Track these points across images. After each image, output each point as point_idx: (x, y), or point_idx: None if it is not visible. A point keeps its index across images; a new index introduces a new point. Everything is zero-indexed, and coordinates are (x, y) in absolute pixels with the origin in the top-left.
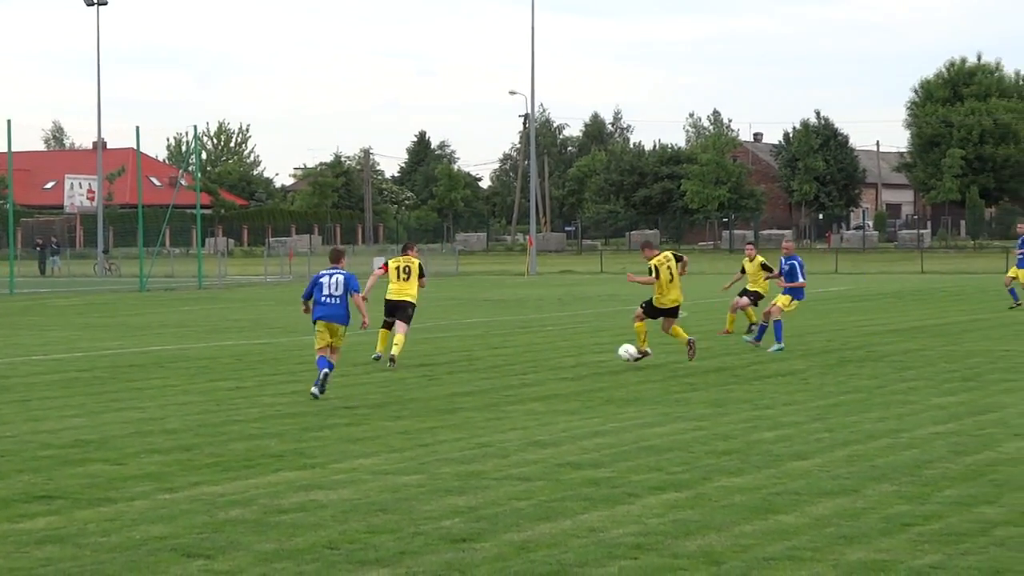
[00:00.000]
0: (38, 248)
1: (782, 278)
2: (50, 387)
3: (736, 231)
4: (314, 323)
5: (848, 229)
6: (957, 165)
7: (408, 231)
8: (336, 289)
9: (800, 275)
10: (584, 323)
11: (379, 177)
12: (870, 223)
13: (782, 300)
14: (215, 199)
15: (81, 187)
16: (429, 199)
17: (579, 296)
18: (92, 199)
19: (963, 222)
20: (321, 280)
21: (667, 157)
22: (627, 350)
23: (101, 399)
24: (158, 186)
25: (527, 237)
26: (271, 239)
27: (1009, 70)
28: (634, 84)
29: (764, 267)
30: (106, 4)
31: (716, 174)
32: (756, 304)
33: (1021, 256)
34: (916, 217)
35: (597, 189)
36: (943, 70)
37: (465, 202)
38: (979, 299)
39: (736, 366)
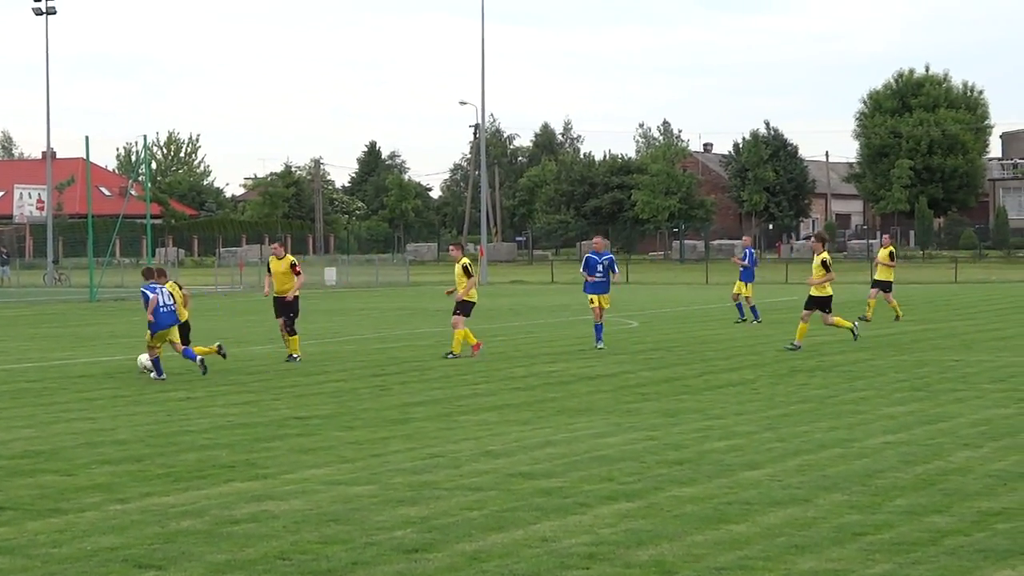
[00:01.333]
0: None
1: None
2: None
3: (687, 241)
4: (155, 332)
5: (798, 239)
6: (906, 176)
7: (359, 241)
8: (169, 299)
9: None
10: (535, 333)
11: (330, 187)
12: None
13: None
14: (165, 209)
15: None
16: (380, 209)
17: (530, 306)
18: (41, 209)
19: (912, 232)
20: (154, 295)
21: (617, 167)
22: (142, 361)
23: (51, 410)
24: (108, 196)
25: (478, 247)
26: (222, 249)
27: (957, 81)
28: (584, 94)
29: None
30: (55, 13)
31: (666, 184)
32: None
33: (744, 269)
34: (866, 227)
35: (548, 199)
36: (891, 81)
37: (416, 212)
38: (928, 309)
39: (687, 376)
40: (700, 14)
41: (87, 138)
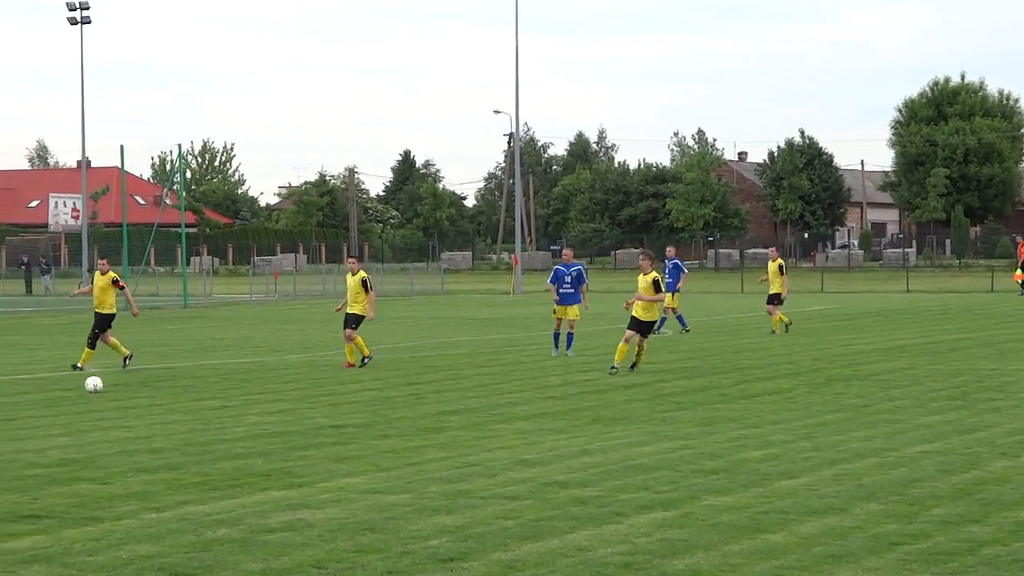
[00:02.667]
0: (23, 267)
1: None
2: (35, 406)
3: (721, 250)
4: None
5: (833, 248)
6: (942, 184)
7: (394, 249)
8: None
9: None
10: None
11: (364, 196)
12: (855, 242)
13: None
14: (200, 218)
15: (65, 206)
16: (414, 218)
17: None
18: (76, 218)
19: (948, 241)
20: None
21: (652, 176)
22: (93, 382)
23: (87, 418)
24: (143, 205)
25: (512, 256)
26: (256, 258)
27: (992, 89)
28: (619, 103)
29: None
30: (89, 23)
31: (701, 193)
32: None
33: (669, 281)
34: (901, 236)
35: (582, 208)
36: (927, 89)
37: (450, 221)
38: (965, 318)
39: (723, 385)
40: (735, 23)
41: (122, 147)
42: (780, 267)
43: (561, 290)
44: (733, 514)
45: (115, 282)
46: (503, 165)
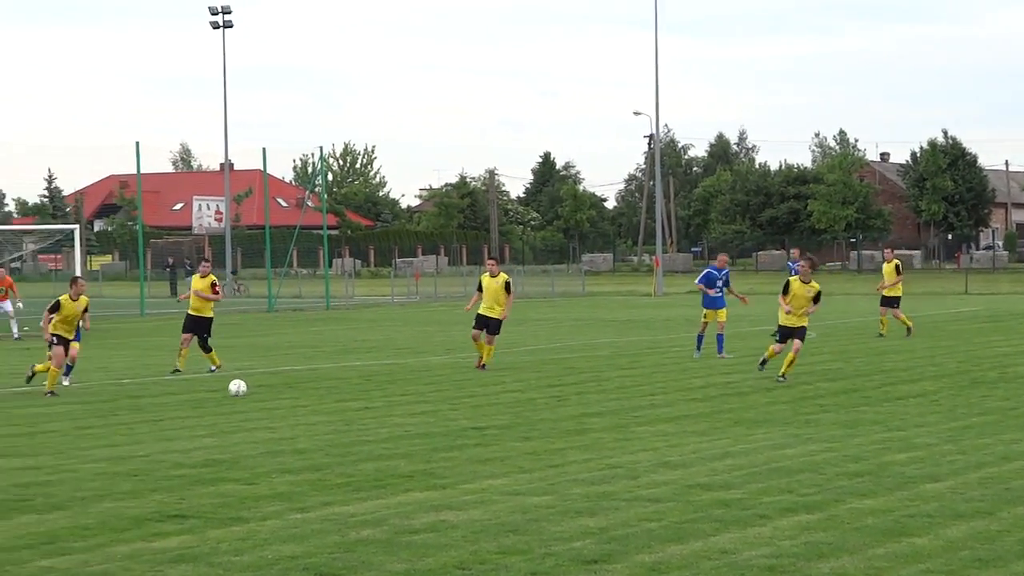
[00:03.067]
0: (168, 269)
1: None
2: (181, 407)
3: (864, 251)
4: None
5: (978, 249)
6: None
7: (534, 251)
8: None
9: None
10: (712, 344)
11: (504, 197)
12: (1000, 243)
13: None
14: (341, 220)
15: (209, 208)
16: (555, 219)
17: None
18: (220, 220)
19: None
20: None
21: (793, 177)
22: (237, 386)
23: (232, 419)
24: (285, 207)
25: (653, 257)
26: (397, 260)
27: None
28: (759, 104)
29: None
30: (231, 27)
31: (843, 194)
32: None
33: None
34: None
35: (723, 209)
36: None
37: (591, 222)
38: None
39: (866, 387)
40: (876, 23)
41: (264, 150)
42: (896, 267)
43: (712, 293)
44: (878, 517)
45: (212, 286)
46: (643, 167)
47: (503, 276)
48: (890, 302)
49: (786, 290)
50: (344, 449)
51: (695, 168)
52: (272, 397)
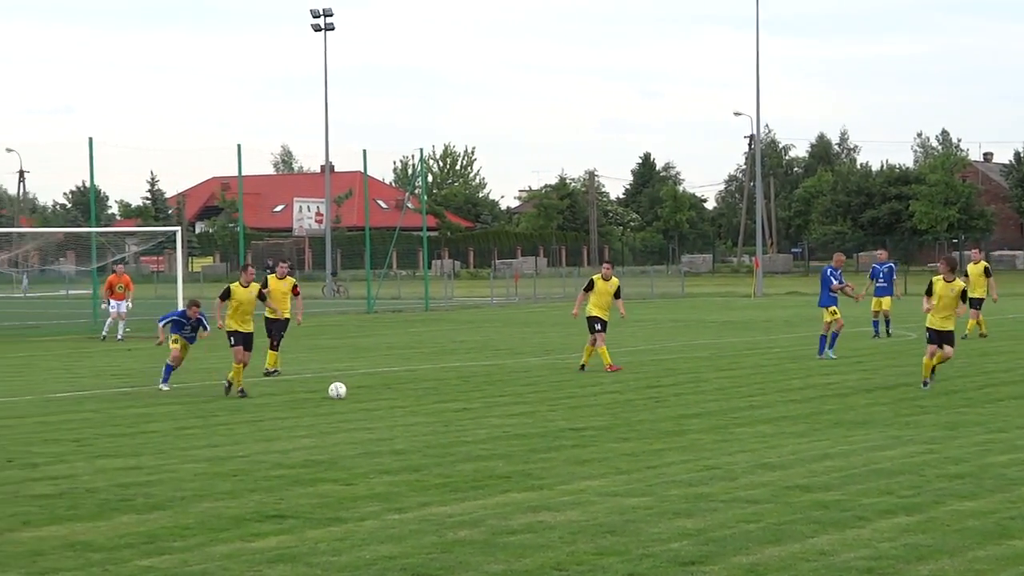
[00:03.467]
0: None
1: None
2: (280, 408)
3: (966, 252)
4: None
5: None
6: None
7: (633, 252)
8: None
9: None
10: (812, 345)
11: (604, 199)
12: None
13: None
14: (441, 221)
15: (309, 210)
16: (654, 220)
17: (806, 318)
18: (320, 222)
19: None
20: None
21: (895, 177)
22: (336, 389)
23: (331, 420)
24: (385, 209)
25: (753, 259)
26: (497, 261)
27: None
28: (860, 104)
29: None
30: (333, 29)
31: (945, 194)
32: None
33: (881, 286)
34: None
35: (824, 210)
36: None
37: (690, 223)
38: None
39: (967, 388)
40: (979, 22)
41: (364, 151)
42: (986, 270)
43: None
44: (978, 519)
45: (294, 288)
46: (744, 167)
47: (615, 280)
48: (975, 304)
49: (929, 291)
50: (442, 450)
51: (796, 168)
52: (371, 398)
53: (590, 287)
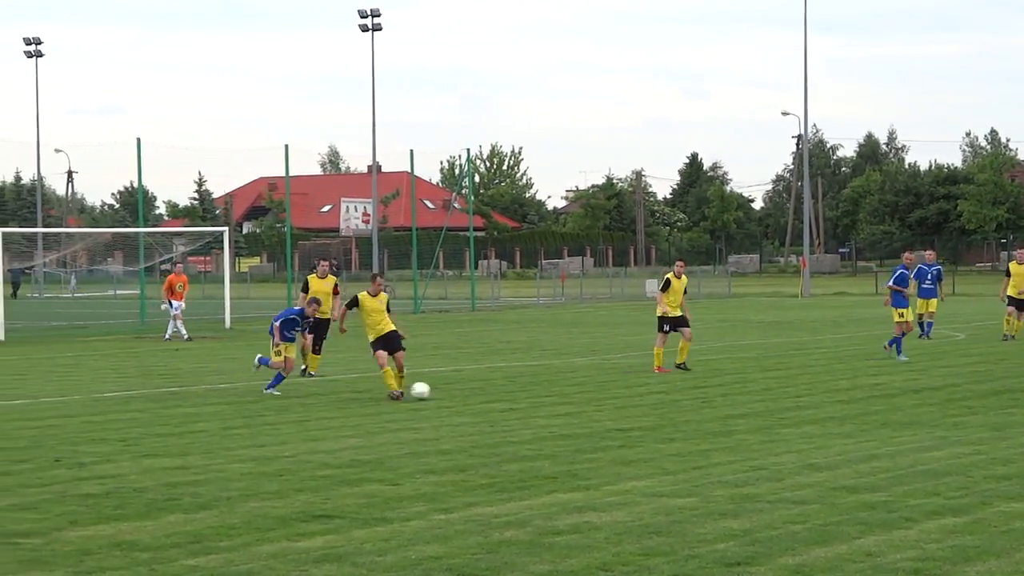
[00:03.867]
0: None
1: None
2: (327, 407)
3: (1015, 251)
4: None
5: None
6: None
7: (680, 252)
8: None
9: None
10: (859, 345)
11: (651, 199)
12: None
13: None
14: (488, 222)
15: (356, 210)
16: (701, 220)
17: (854, 318)
18: (367, 222)
19: None
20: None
21: (943, 177)
22: (420, 388)
23: (377, 420)
24: (431, 209)
25: (800, 259)
26: (543, 261)
27: None
28: (909, 103)
29: None
30: (380, 29)
31: (994, 194)
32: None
33: (927, 287)
34: None
35: (871, 210)
36: None
37: (737, 223)
38: None
39: (1016, 389)
40: None
41: (411, 151)
42: None
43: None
44: None
45: (335, 287)
46: (791, 167)
47: (685, 279)
48: (1020, 304)
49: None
50: (488, 450)
51: (843, 168)
52: (413, 398)
53: (667, 286)
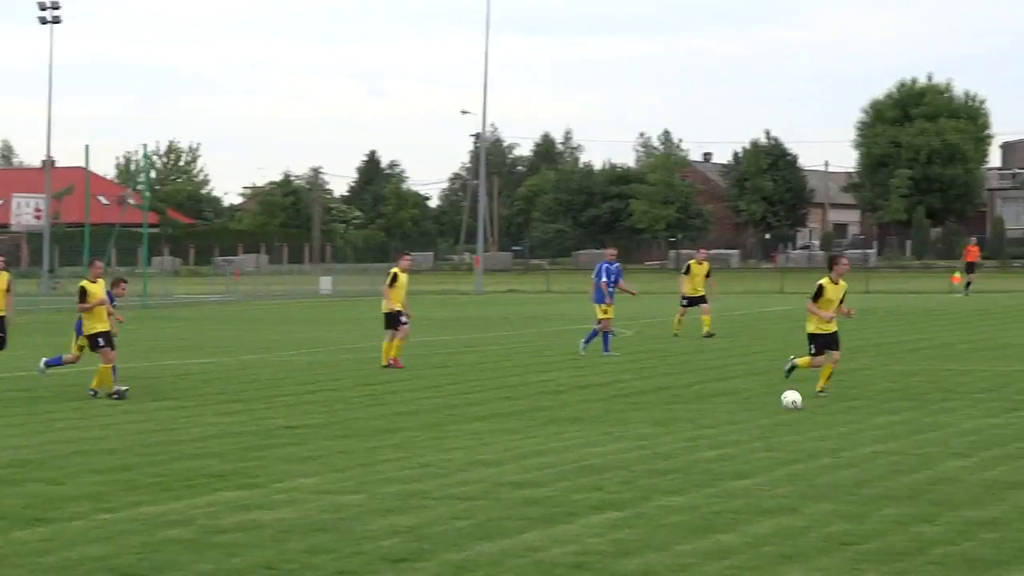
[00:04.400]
0: None
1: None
2: None
3: (684, 251)
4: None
5: (794, 249)
6: (904, 185)
7: (355, 250)
8: None
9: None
10: (529, 343)
11: (328, 196)
12: (816, 243)
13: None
14: (162, 218)
15: (28, 206)
16: (377, 218)
17: (525, 315)
18: (39, 218)
19: (909, 242)
20: None
21: (616, 177)
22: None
23: (41, 419)
24: (106, 205)
25: (474, 256)
26: (218, 258)
27: (959, 91)
28: (585, 103)
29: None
30: (59, 22)
31: (665, 194)
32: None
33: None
34: (862, 237)
35: (545, 209)
36: (893, 91)
37: (413, 221)
38: (923, 319)
39: (678, 385)
40: (703, 23)
41: (87, 147)
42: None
43: (611, 288)
44: (685, 514)
45: (8, 284)
46: (469, 165)
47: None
48: (695, 302)
49: (819, 295)
50: (155, 449)
51: (519, 167)
52: (83, 396)
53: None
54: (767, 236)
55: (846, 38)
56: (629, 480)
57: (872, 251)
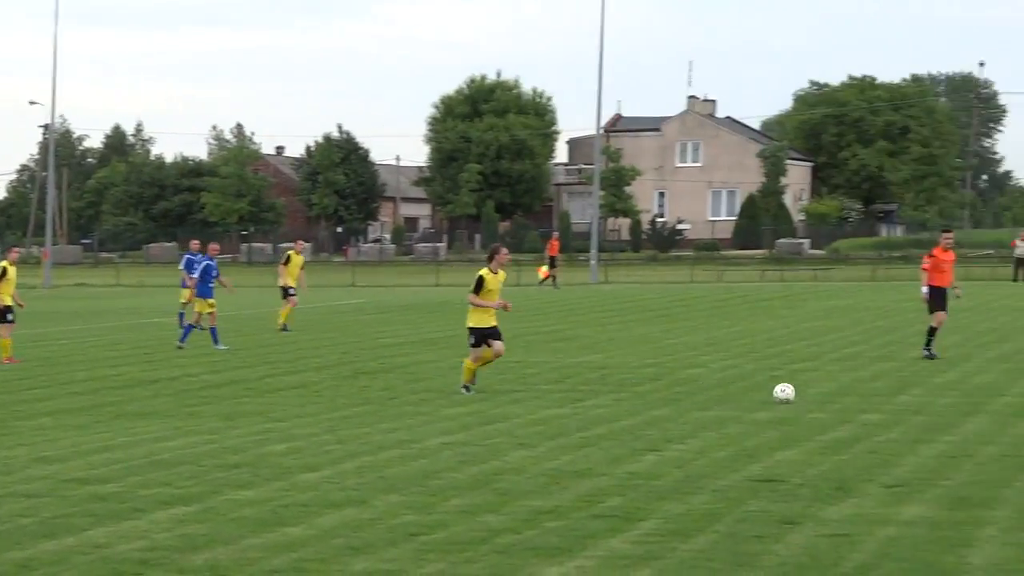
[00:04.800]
0: None
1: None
2: None
3: (255, 244)
4: None
5: (366, 242)
6: (474, 180)
7: None
8: None
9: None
10: (99, 337)
11: None
12: (388, 236)
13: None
14: None
15: None
16: None
17: (96, 310)
18: None
19: (478, 236)
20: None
21: (188, 170)
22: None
23: None
24: None
25: (43, 250)
26: None
27: (527, 88)
28: (158, 96)
29: None
30: None
31: (237, 187)
32: None
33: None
34: (433, 231)
35: (116, 201)
36: (464, 86)
37: None
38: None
39: (249, 378)
40: (276, 16)
41: None
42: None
43: (211, 284)
44: (254, 508)
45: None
46: (37, 157)
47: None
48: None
49: (479, 287)
50: None
51: (90, 159)
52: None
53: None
54: (339, 230)
55: (418, 34)
56: (198, 475)
57: (442, 244)
